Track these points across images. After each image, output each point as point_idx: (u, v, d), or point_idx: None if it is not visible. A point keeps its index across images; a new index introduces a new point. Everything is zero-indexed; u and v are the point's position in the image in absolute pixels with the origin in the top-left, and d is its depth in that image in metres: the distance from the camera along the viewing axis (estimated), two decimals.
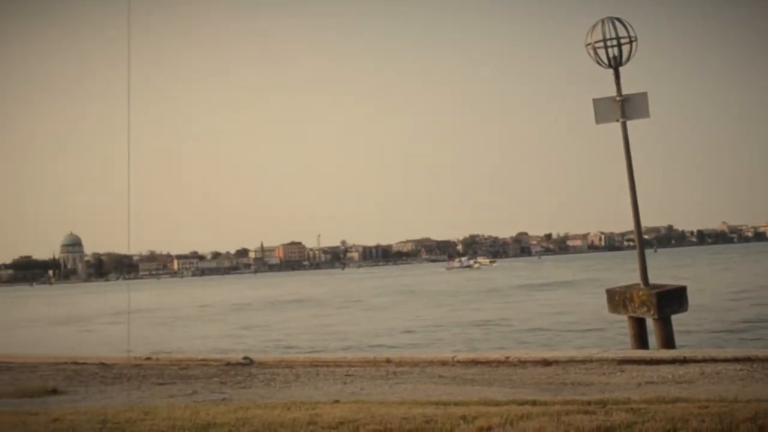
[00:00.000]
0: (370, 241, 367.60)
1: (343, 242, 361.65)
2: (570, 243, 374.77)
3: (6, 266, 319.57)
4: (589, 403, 10.73)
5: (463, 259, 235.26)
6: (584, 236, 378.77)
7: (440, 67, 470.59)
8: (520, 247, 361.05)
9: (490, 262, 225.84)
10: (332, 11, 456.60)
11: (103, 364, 22.22)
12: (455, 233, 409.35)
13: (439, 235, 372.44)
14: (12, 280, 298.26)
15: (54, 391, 16.15)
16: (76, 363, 22.63)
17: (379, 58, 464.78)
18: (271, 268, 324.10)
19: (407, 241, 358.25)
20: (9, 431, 9.37)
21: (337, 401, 12.80)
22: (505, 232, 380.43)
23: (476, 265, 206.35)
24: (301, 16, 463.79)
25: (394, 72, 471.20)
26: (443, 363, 19.76)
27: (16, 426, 9.90)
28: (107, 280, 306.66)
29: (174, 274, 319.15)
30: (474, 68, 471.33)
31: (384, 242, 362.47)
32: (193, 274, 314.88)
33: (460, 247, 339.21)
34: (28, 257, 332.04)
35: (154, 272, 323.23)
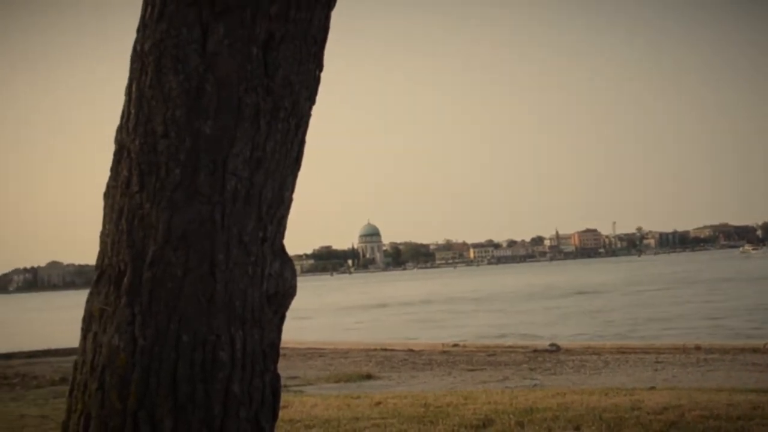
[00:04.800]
0: (667, 227, 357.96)
1: (639, 229, 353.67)
2: None
3: (308, 256, 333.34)
4: None
5: None
6: None
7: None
8: None
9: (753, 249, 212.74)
10: None
11: (410, 350, 22.84)
12: (753, 218, 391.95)
13: (737, 219, 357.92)
14: (313, 270, 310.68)
15: (369, 376, 16.71)
16: (385, 349, 23.37)
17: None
18: (567, 255, 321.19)
19: (704, 227, 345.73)
20: (335, 415, 9.72)
21: (653, 387, 12.56)
22: None
23: None
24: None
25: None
26: (754, 350, 19.11)
27: (341, 409, 10.28)
28: (405, 269, 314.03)
29: (470, 262, 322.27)
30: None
31: (680, 228, 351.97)
32: (489, 263, 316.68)
33: (759, 233, 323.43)
34: (329, 247, 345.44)
35: (450, 261, 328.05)
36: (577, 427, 8.21)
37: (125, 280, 3.23)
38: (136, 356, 3.17)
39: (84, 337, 3.35)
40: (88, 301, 3.38)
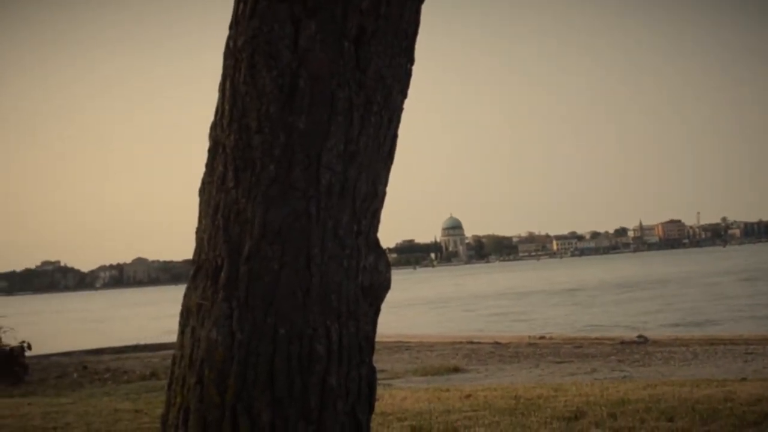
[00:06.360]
0: (752, 217, 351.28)
1: (724, 219, 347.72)
2: None
3: (390, 250, 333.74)
4: None
5: None
6: None
7: None
8: None
9: None
10: None
11: (497, 343, 22.80)
12: None
13: None
14: (396, 264, 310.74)
15: (456, 369, 16.73)
16: (471, 342, 23.39)
17: None
18: (650, 246, 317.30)
19: None
20: (426, 407, 9.76)
21: (744, 379, 12.39)
22: None
23: None
24: None
25: None
26: None
27: (432, 402, 10.31)
28: (487, 261, 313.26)
29: (553, 254, 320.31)
30: None
31: (766, 218, 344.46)
32: (572, 255, 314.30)
33: None
34: (411, 241, 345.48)
35: (533, 253, 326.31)
36: (671, 419, 8.13)
37: (222, 274, 3.26)
38: (234, 350, 3.20)
39: (182, 332, 3.39)
40: (185, 296, 3.42)
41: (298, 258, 3.22)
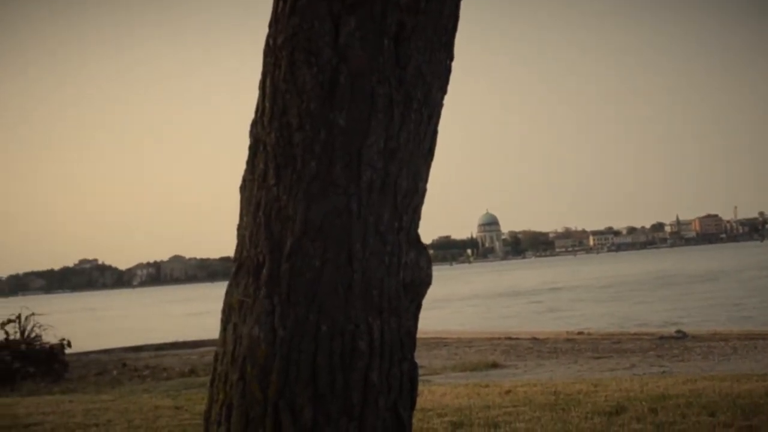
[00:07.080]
0: None
1: (761, 213, 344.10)
2: None
3: (427, 246, 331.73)
4: None
5: None
6: None
7: None
8: None
9: None
10: None
11: (535, 338, 22.72)
12: None
13: None
14: (432, 260, 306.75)
15: (495, 365, 16.69)
16: (509, 338, 23.31)
17: None
18: (687, 241, 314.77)
19: None
20: (466, 403, 9.76)
21: None
22: None
23: None
24: None
25: None
26: None
27: (472, 398, 10.30)
28: (524, 257, 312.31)
29: (589, 250, 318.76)
30: None
31: None
32: (609, 250, 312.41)
33: None
34: (447, 237, 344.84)
35: (570, 249, 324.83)
36: (712, 414, 8.07)
37: (264, 271, 3.27)
38: (276, 346, 3.21)
39: (224, 329, 3.41)
40: (227, 293, 3.43)
41: (340, 255, 3.22)
